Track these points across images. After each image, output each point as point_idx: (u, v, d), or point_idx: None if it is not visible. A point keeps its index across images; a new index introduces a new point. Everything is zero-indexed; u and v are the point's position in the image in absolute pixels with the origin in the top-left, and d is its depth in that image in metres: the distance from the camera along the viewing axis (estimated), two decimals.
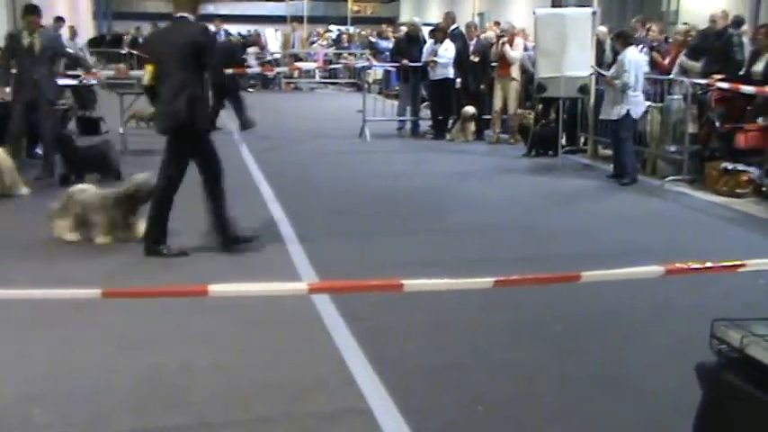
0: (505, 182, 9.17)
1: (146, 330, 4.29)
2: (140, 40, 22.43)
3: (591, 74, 9.81)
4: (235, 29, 27.13)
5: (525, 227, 6.95)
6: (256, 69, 19.95)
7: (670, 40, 11.65)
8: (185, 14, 5.77)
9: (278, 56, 23.85)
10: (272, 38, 26.49)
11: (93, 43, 23.20)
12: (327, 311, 4.59)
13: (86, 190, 6.22)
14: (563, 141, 10.75)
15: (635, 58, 8.94)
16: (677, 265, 2.90)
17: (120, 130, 10.65)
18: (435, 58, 12.23)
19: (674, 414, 3.15)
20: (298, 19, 29.76)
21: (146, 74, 5.75)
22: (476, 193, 8.54)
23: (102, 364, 3.90)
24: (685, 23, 12.73)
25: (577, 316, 4.69)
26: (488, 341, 4.32)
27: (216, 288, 2.02)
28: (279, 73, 21.10)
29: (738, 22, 10.49)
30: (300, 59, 23.40)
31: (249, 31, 26.56)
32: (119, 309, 4.34)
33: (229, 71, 12.52)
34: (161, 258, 5.64)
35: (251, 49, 23.07)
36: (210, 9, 36.92)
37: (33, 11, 8.36)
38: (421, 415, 3.47)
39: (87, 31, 26.47)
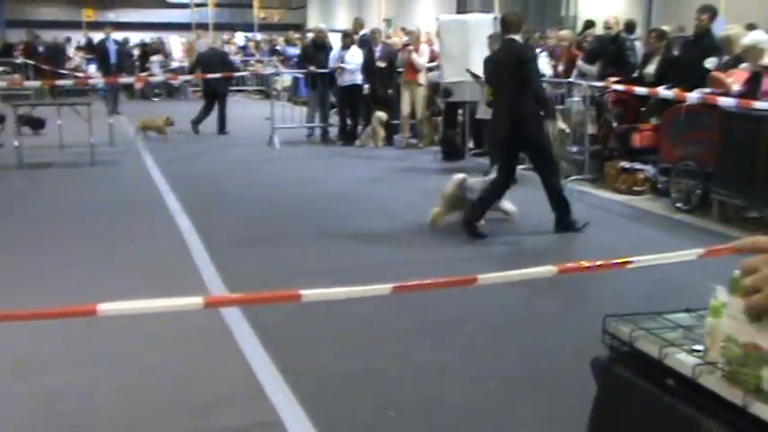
0: (415, 186, 9.26)
1: (44, 352, 4.12)
2: (40, 48, 21.57)
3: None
4: (137, 36, 26.47)
5: (432, 230, 7.02)
6: (161, 78, 19.50)
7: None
8: (514, 36, 6.70)
9: (184, 64, 23.36)
10: (177, 46, 25.95)
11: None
12: (237, 324, 4.52)
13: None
14: (470, 145, 10.94)
15: None
16: (569, 264, 2.98)
17: (15, 143, 10.21)
18: (343, 65, 12.25)
19: (579, 408, 3.23)
20: (203, 26, 29.26)
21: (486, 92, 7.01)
22: (386, 197, 8.60)
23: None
24: (590, 22, 13.22)
25: (485, 316, 4.77)
26: (398, 346, 4.35)
27: (106, 307, 1.95)
28: (185, 81, 20.68)
29: (630, 26, 10.96)
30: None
31: (152, 38, 25.93)
32: (13, 331, 4.15)
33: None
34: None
35: (154, 57, 22.54)
36: (111, 17, 35.90)
37: None
38: (333, 423, 3.46)
39: None
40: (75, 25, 34.72)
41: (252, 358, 4.12)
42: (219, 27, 31.27)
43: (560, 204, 6.71)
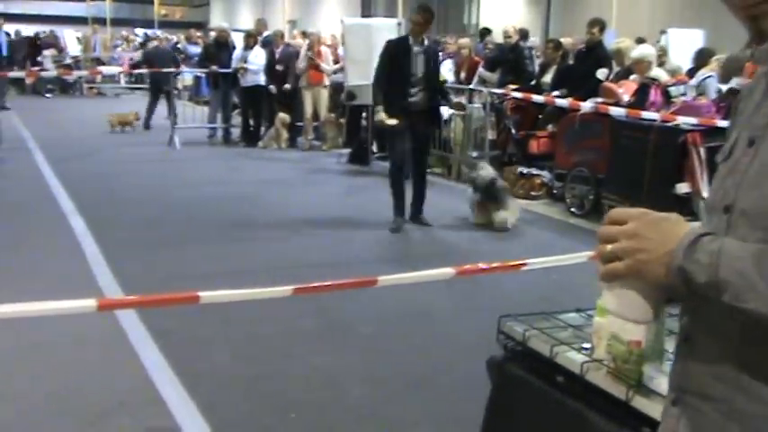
0: (317, 188, 9.25)
1: None
2: None
3: None
4: (30, 29, 25.29)
5: (335, 232, 7.04)
6: (53, 73, 18.72)
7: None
8: None
9: (79, 59, 22.53)
10: (73, 40, 24.99)
11: None
12: (132, 328, 4.39)
13: None
14: (374, 148, 11.02)
15: None
16: (467, 266, 3.06)
17: None
18: (245, 65, 12.10)
19: (475, 406, 3.31)
20: (100, 21, 28.32)
21: None
22: (287, 199, 8.54)
23: None
24: (486, 29, 13.55)
25: (385, 318, 4.82)
26: (299, 348, 4.33)
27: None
28: (80, 77, 19.94)
29: (524, 34, 11.30)
30: (103, 63, 22.27)
31: (45, 31, 24.86)
32: None
33: None
34: None
35: (47, 52, 21.60)
36: (0, 7, 34.20)
37: None
38: (232, 427, 3.42)
39: None
40: None
41: (148, 363, 4.01)
42: (118, 22, 30.37)
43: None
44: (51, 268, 5.58)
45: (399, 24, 10.64)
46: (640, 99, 7.33)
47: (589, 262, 3.38)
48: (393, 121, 6.85)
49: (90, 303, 2.03)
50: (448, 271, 2.98)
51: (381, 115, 6.86)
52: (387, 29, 10.49)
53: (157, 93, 14.30)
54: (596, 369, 1.79)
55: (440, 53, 8.61)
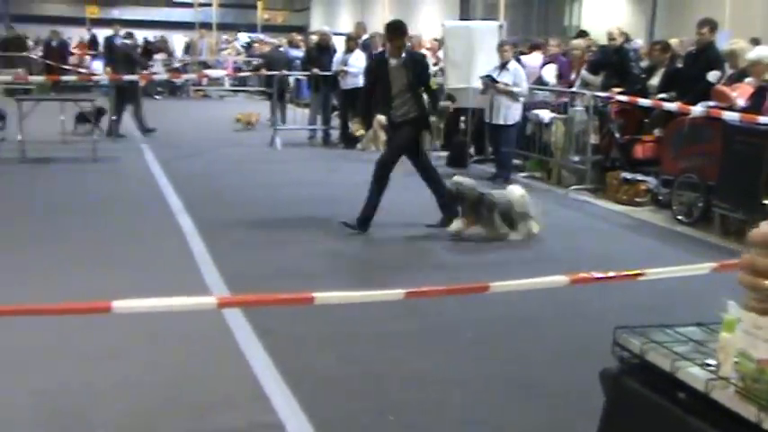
0: (415, 191, 9.23)
1: (46, 349, 4.11)
2: (54, 43, 21.52)
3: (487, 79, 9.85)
4: (141, 34, 26.45)
5: (436, 234, 7.02)
6: (163, 76, 19.51)
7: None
8: None
9: (186, 62, 23.40)
10: (181, 44, 25.98)
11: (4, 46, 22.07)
12: (238, 325, 4.51)
13: None
14: (472, 151, 10.96)
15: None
16: (582, 274, 2.98)
17: (19, 137, 10.20)
18: (345, 68, 12.26)
19: (582, 417, 3.23)
20: (207, 26, 29.31)
21: None
22: (388, 201, 8.56)
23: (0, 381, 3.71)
24: (583, 32, 13.23)
25: (487, 322, 4.77)
26: (399, 350, 4.34)
27: (120, 304, 1.95)
28: (187, 80, 20.70)
29: (626, 37, 10.96)
30: (209, 67, 23.03)
31: (155, 36, 25.94)
32: (17, 325, 4.13)
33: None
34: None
35: (158, 56, 22.54)
36: (115, 14, 35.92)
37: None
38: (332, 427, 3.46)
39: None
40: (79, 22, 34.72)
41: (253, 360, 4.11)
42: (223, 27, 31.32)
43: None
44: (160, 265, 5.80)
45: (501, 27, 10.53)
46: (757, 103, 6.99)
47: (705, 274, 3.24)
48: (360, 132, 7.34)
49: (210, 301, 2.09)
50: (561, 279, 2.91)
51: (354, 126, 7.27)
52: (488, 31, 10.44)
53: (280, 95, 14.45)
54: (722, 387, 1.71)
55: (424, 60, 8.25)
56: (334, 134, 13.10)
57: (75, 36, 28.46)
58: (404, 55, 7.03)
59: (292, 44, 20.03)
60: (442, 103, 9.59)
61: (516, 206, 6.78)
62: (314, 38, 15.82)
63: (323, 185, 9.37)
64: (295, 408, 3.58)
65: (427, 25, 21.73)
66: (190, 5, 36.87)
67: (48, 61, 19.05)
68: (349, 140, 12.59)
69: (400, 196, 7.81)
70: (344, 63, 12.33)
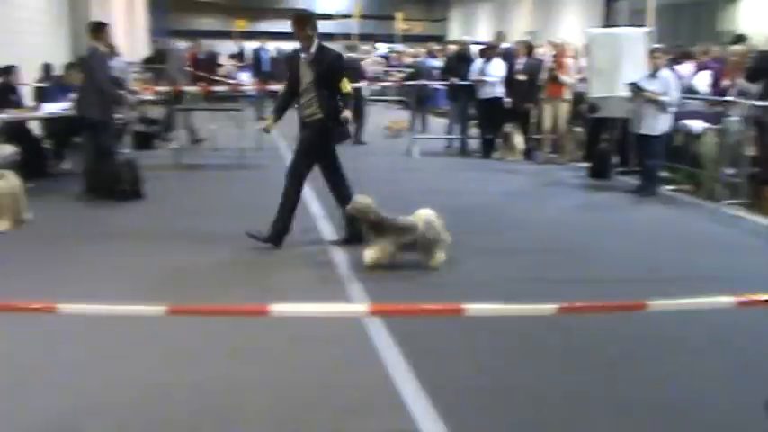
0: (554, 202, 9.04)
1: (199, 345, 4.31)
2: (200, 56, 22.77)
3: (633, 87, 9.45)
4: (287, 46, 27.45)
5: (577, 247, 6.83)
6: None
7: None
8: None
9: None
10: None
11: (149, 60, 23.63)
12: (377, 331, 4.55)
13: None
14: (616, 162, 10.59)
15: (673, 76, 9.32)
16: (751, 297, 2.78)
17: (175, 145, 10.82)
18: (484, 77, 12.18)
19: None
20: (347, 37, 30.04)
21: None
22: (526, 212, 8.44)
23: (156, 377, 3.93)
24: (741, 36, 12.49)
25: (635, 341, 4.56)
26: (542, 364, 4.24)
27: (277, 308, 2.00)
28: None
29: None
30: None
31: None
32: (175, 324, 4.36)
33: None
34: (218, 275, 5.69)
35: None
36: (261, 27, 37.50)
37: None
38: None
39: (144, 49, 27.01)
40: (228, 35, 36.51)
41: (391, 366, 4.13)
42: (363, 38, 31.96)
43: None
44: (301, 270, 5.95)
45: (649, 33, 10.12)
46: None
47: None
48: (262, 124, 6.97)
49: (363, 308, 2.11)
50: (727, 300, 2.72)
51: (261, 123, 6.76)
52: (635, 38, 10.06)
53: (419, 105, 14.54)
54: None
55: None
56: (471, 144, 13.05)
57: (224, 49, 29.95)
58: (313, 50, 6.44)
59: (431, 54, 20.16)
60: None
61: (426, 232, 6.00)
62: (453, 47, 15.87)
63: (459, 195, 9.33)
64: (434, 418, 3.56)
65: (570, 32, 21.24)
66: (331, 17, 37.97)
67: (198, 73, 20.11)
68: (486, 150, 12.50)
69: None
70: (482, 72, 12.26)
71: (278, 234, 6.51)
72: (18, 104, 9.86)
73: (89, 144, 8.60)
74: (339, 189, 6.74)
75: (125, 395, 3.72)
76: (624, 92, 9.49)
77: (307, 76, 6.42)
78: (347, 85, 6.42)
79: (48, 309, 2.27)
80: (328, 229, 7.26)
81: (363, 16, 35.05)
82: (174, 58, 14.35)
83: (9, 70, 9.94)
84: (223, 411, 3.58)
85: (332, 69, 6.42)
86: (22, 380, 3.87)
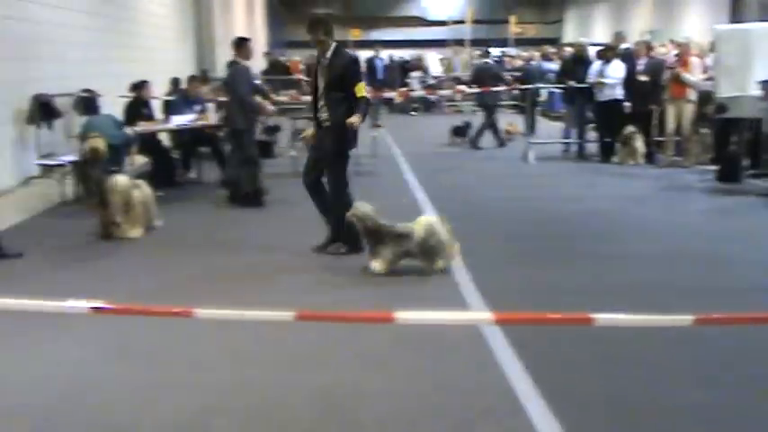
0: (679, 207, 8.67)
1: (324, 351, 4.40)
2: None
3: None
4: (399, 54, 27.71)
5: (705, 254, 6.52)
6: (420, 93, 20.26)
7: None
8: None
9: (441, 78, 24.11)
10: (434, 61, 26.82)
11: (272, 71, 24.42)
12: (494, 338, 4.50)
13: None
14: (746, 164, 10.06)
15: None
16: None
17: (292, 153, 11.12)
18: (603, 79, 11.85)
19: None
20: (460, 42, 29.98)
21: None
22: (649, 218, 8.14)
23: (279, 380, 4.03)
24: None
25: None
26: (670, 378, 4.05)
27: (402, 315, 2.02)
28: (441, 96, 21.32)
29: None
30: (463, 82, 23.50)
31: (412, 55, 27.03)
32: (297, 328, 4.47)
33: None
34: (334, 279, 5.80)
35: (414, 74, 23.48)
36: (375, 35, 37.99)
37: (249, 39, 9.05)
38: None
39: (261, 61, 27.94)
40: (343, 45, 37.14)
41: (509, 373, 4.07)
42: (476, 43, 31.79)
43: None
44: (415, 276, 5.95)
45: None
46: None
47: None
48: (306, 134, 6.75)
49: (486, 316, 2.09)
50: None
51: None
52: (767, 34, 9.51)
53: (488, 110, 14.46)
54: None
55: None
56: (590, 147, 12.72)
57: None
58: (328, 55, 6.39)
59: (545, 57, 19.81)
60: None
61: (427, 239, 5.89)
62: (569, 49, 15.54)
63: (579, 200, 9.12)
64: (555, 426, 3.48)
65: (693, 30, 20.35)
66: (444, 24, 38.00)
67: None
68: (605, 154, 12.15)
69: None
70: (601, 74, 11.93)
71: (354, 242, 6.47)
72: (150, 117, 10.40)
73: (234, 154, 8.98)
74: (322, 195, 6.70)
75: (251, 397, 3.84)
76: (756, 90, 9.00)
77: (322, 80, 6.45)
78: (362, 90, 6.36)
79: (185, 313, 2.37)
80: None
81: (476, 21, 34.86)
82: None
83: (141, 85, 10.51)
84: (346, 416, 3.64)
85: (345, 73, 6.36)
86: (156, 379, 4.07)
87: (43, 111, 10.20)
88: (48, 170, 9.70)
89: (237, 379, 4.05)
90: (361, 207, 6.06)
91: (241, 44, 8.84)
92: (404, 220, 7.94)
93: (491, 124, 14.27)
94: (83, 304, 2.52)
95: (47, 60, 11.09)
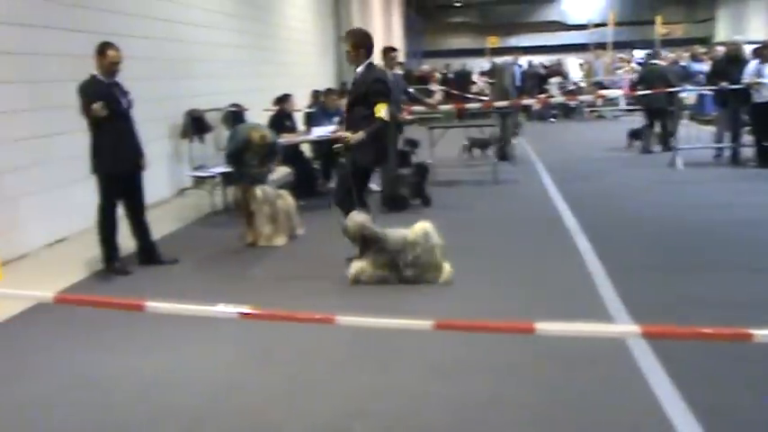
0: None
1: (459, 359, 4.38)
2: (450, 75, 23.45)
3: None
4: (538, 59, 27.31)
5: None
6: (559, 99, 19.84)
7: None
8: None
9: (581, 84, 23.51)
10: (574, 66, 26.20)
11: (404, 81, 24.74)
12: (640, 352, 4.32)
13: None
14: None
15: None
16: None
17: (429, 161, 11.18)
18: (760, 79, 11.12)
19: None
20: (601, 46, 29.14)
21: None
22: None
23: (416, 387, 4.05)
24: None
25: None
26: None
27: (543, 326, 1.97)
28: (581, 102, 20.78)
29: None
30: (604, 87, 22.79)
31: (551, 60, 26.54)
32: (436, 337, 4.48)
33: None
34: (458, 289, 5.77)
35: (553, 79, 23.03)
36: (513, 42, 37.61)
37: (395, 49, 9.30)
38: None
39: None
40: (480, 52, 37.10)
41: (657, 389, 3.88)
42: (619, 46, 30.79)
43: None
44: (561, 286, 5.82)
45: None
46: None
47: None
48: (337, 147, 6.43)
49: (632, 329, 2.01)
50: None
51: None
52: None
53: (652, 114, 13.99)
54: None
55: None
56: (745, 152, 11.97)
57: (476, 66, 30.47)
58: (359, 70, 6.28)
59: (695, 57, 18.88)
60: None
61: (418, 247, 5.79)
62: (721, 49, 14.72)
63: (733, 207, 8.59)
64: None
65: None
66: (585, 27, 37.04)
67: (452, 91, 20.66)
68: (763, 159, 11.38)
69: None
70: (759, 74, 11.20)
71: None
72: (292, 129, 10.78)
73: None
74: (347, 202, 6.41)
75: (388, 403, 3.87)
76: None
77: (350, 95, 6.47)
78: (380, 110, 6.18)
79: (327, 320, 2.44)
80: (586, 245, 7.03)
81: (619, 23, 33.73)
82: (507, 75, 14.96)
83: (284, 98, 10.92)
84: (482, 427, 3.60)
85: (368, 91, 6.22)
86: (299, 383, 4.20)
87: (195, 125, 10.84)
88: (199, 181, 10.28)
89: (376, 385, 4.10)
90: (357, 217, 6.03)
91: (384, 53, 9.10)
92: (545, 228, 7.84)
93: (659, 127, 13.82)
94: (232, 309, 2.64)
95: (198, 78, 11.78)
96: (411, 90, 10.38)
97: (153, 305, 2.68)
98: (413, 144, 12.46)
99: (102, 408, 3.94)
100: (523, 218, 8.50)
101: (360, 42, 6.31)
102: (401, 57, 33.05)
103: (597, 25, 35.14)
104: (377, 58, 9.34)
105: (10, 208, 7.24)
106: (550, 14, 43.98)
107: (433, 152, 11.22)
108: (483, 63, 31.40)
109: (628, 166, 12.25)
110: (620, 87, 22.31)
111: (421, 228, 5.95)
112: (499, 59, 20.76)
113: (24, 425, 3.82)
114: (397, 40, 34.39)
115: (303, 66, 18.40)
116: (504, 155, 12.88)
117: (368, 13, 27.00)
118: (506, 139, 13.20)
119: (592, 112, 22.37)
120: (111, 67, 6.40)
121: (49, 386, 4.27)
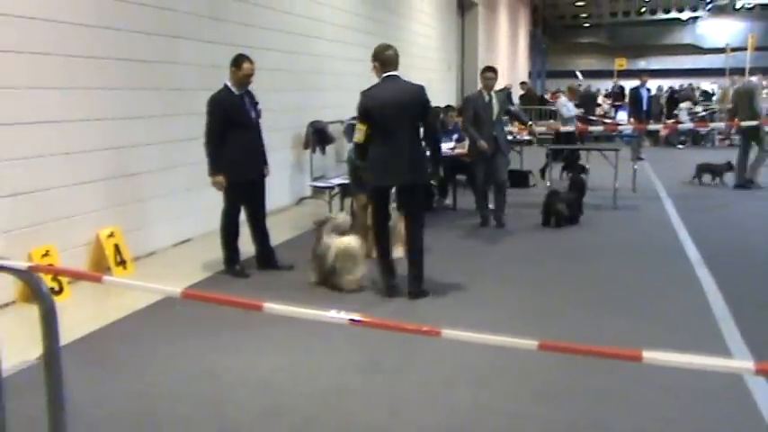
0: None
1: (562, 382, 4.34)
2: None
3: None
4: (666, 83, 26.41)
5: None
6: (688, 125, 19.11)
7: None
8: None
9: (713, 110, 22.55)
10: (705, 90, 25.17)
11: (525, 100, 24.57)
12: (758, 388, 4.13)
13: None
14: None
15: None
16: None
17: (548, 183, 11.05)
18: None
19: None
20: (739, 71, 27.84)
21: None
22: None
23: (518, 409, 4.03)
24: None
25: None
26: None
27: (651, 355, 1.95)
28: (712, 129, 19.93)
29: None
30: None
31: (682, 85, 25.61)
32: (539, 357, 4.46)
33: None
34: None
35: (683, 104, 22.22)
36: (641, 64, 36.56)
37: (492, 69, 9.27)
38: None
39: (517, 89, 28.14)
40: (608, 74, 36.25)
41: None
42: (759, 71, 29.34)
43: None
44: (678, 318, 5.64)
45: None
46: None
47: None
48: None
49: (747, 366, 1.96)
50: None
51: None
52: None
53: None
54: None
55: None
56: None
57: (602, 87, 29.80)
58: (378, 82, 6.15)
59: None
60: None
61: (335, 256, 6.38)
62: None
63: None
64: None
65: None
66: (722, 51, 35.53)
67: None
68: None
69: None
70: None
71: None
72: None
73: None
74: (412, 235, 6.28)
75: (491, 420, 3.89)
76: None
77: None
78: (357, 132, 6.06)
79: (432, 332, 2.50)
80: (708, 277, 6.77)
81: (759, 48, 32.11)
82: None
83: None
84: None
85: (418, 106, 6.07)
86: (403, 394, 4.27)
87: (318, 137, 11.19)
88: (318, 192, 10.59)
89: (476, 401, 4.12)
90: (338, 216, 6.81)
91: (483, 73, 9.15)
92: (666, 255, 7.59)
93: None
94: (342, 315, 2.75)
95: (325, 90, 12.15)
96: (512, 108, 10.25)
97: (270, 306, 2.83)
98: (582, 170, 12.34)
99: (221, 402, 4.15)
100: (643, 247, 8.24)
101: (374, 55, 6.18)
102: (524, 75, 32.78)
103: (734, 49, 33.61)
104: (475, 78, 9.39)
105: (141, 208, 7.72)
106: (684, 37, 42.43)
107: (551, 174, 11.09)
108: (608, 84, 30.68)
109: (756, 198, 11.65)
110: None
111: (346, 241, 6.49)
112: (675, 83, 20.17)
113: (148, 413, 4.06)
114: (522, 60, 34.12)
115: (426, 82, 18.62)
116: (743, 182, 12.46)
117: (494, 32, 26.96)
118: (744, 165, 12.71)
119: (723, 139, 21.40)
120: (244, 80, 6.71)
121: (175, 378, 4.53)
